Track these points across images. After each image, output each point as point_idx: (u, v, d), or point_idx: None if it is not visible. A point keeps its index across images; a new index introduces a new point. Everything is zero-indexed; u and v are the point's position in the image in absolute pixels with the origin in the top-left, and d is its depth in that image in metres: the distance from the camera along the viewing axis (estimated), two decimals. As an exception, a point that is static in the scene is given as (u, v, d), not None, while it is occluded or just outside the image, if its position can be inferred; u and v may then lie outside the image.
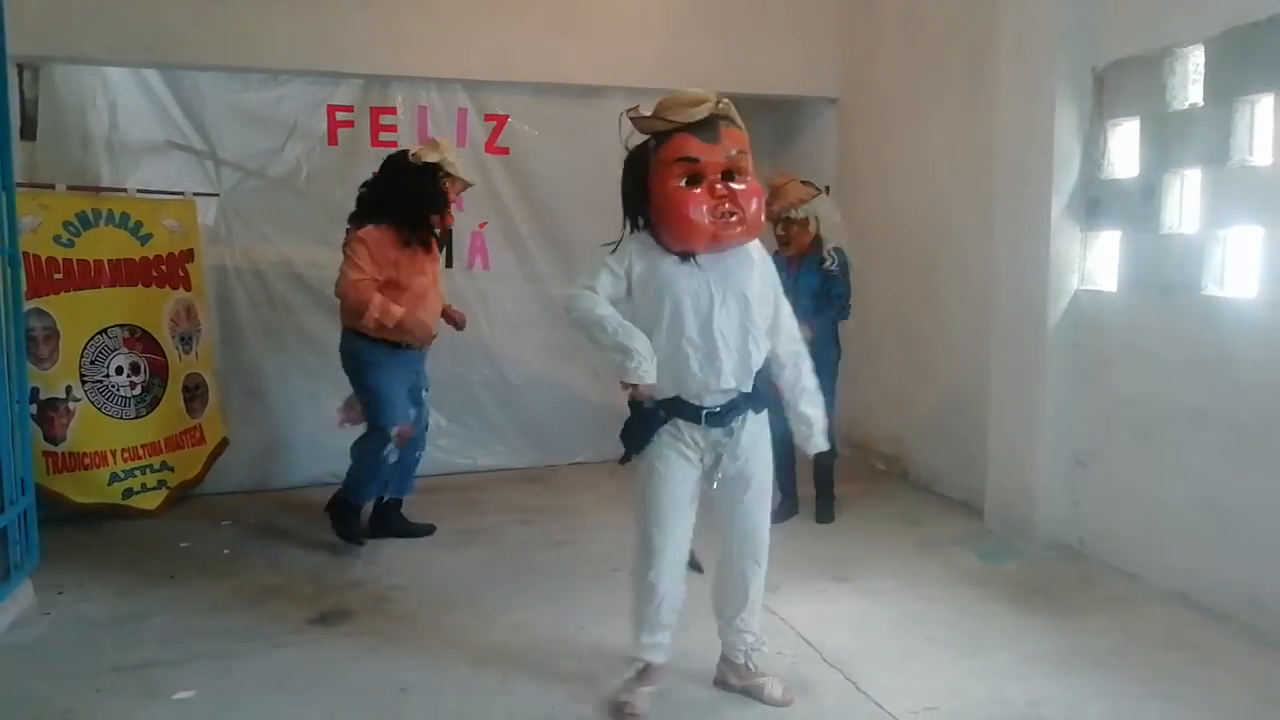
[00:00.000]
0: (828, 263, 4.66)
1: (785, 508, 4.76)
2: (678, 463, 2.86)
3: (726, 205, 2.68)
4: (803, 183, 4.78)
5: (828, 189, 4.58)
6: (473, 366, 6.00)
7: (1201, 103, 3.78)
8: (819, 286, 4.66)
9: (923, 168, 5.51)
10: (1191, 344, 3.80)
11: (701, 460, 2.88)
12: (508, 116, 5.91)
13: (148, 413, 5.14)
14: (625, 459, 2.96)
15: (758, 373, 2.89)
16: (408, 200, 4.34)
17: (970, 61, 5.02)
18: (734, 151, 2.71)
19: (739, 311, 2.81)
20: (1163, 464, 3.95)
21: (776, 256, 4.15)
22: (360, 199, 4.47)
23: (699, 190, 2.68)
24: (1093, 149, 4.26)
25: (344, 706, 3.06)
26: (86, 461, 4.90)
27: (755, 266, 2.86)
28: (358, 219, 4.41)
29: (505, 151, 5.94)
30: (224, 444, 5.45)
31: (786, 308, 2.97)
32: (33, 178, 5.07)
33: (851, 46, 6.19)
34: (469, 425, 6.01)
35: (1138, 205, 4.04)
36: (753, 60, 5.99)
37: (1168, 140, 3.91)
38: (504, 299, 6.08)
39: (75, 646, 3.52)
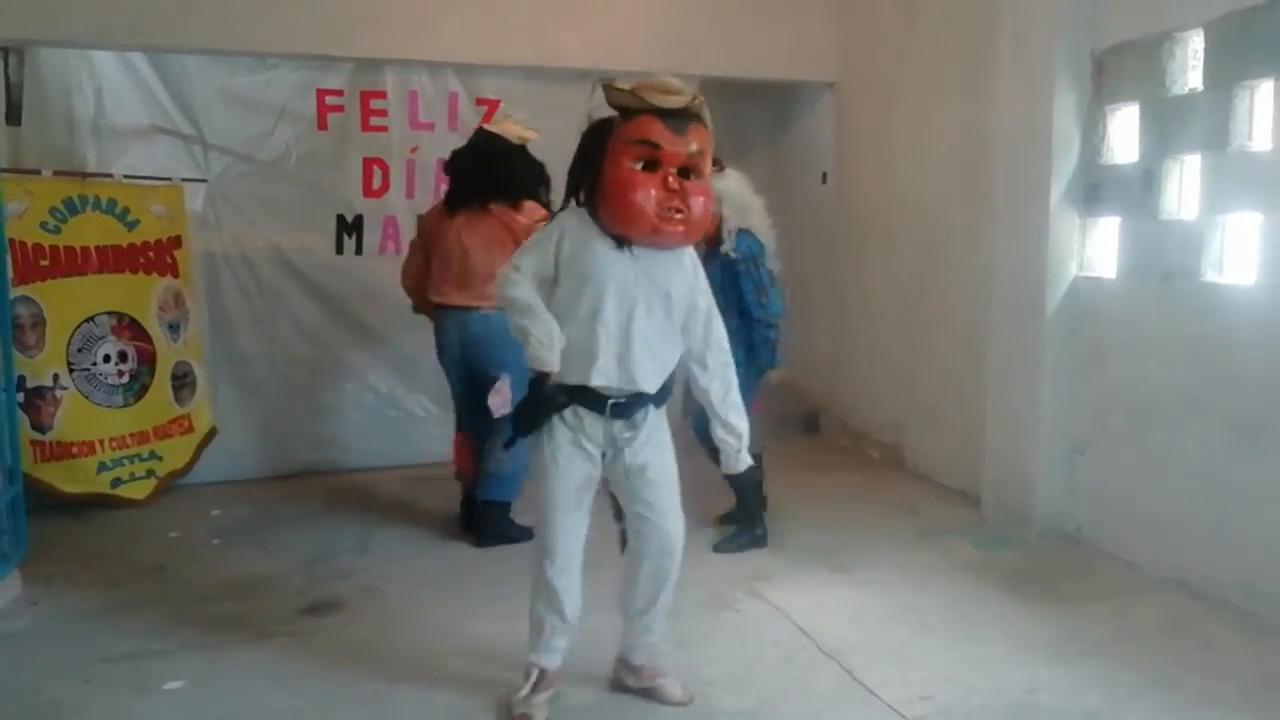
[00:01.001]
0: (725, 247, 4.11)
1: (745, 537, 4.35)
2: (574, 457, 2.76)
3: (675, 202, 2.61)
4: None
5: (722, 165, 4.04)
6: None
7: (1201, 88, 3.75)
8: (721, 279, 3.99)
9: (921, 153, 5.48)
10: (1190, 331, 3.78)
11: (602, 454, 2.78)
12: (499, 100, 5.85)
13: (136, 401, 5.09)
14: (510, 442, 2.93)
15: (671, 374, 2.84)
16: (532, 181, 4.29)
17: (969, 46, 4.97)
18: (696, 148, 2.62)
19: (660, 312, 2.74)
20: (1160, 451, 3.93)
21: None
22: (498, 179, 4.29)
23: (651, 177, 2.60)
24: (1092, 134, 4.23)
25: (334, 697, 3.03)
26: (74, 450, 4.85)
27: (685, 271, 2.78)
28: (508, 197, 4.26)
29: (497, 136, 5.88)
30: (213, 433, 5.40)
31: (718, 318, 2.88)
32: (18, 163, 5.00)
33: (849, 31, 6.14)
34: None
35: (1137, 191, 4.01)
36: (749, 44, 5.94)
37: (1167, 126, 3.89)
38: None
39: (64, 637, 3.48)
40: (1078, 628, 3.47)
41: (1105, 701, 2.96)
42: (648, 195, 2.59)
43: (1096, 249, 4.29)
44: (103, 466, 4.93)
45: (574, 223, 2.74)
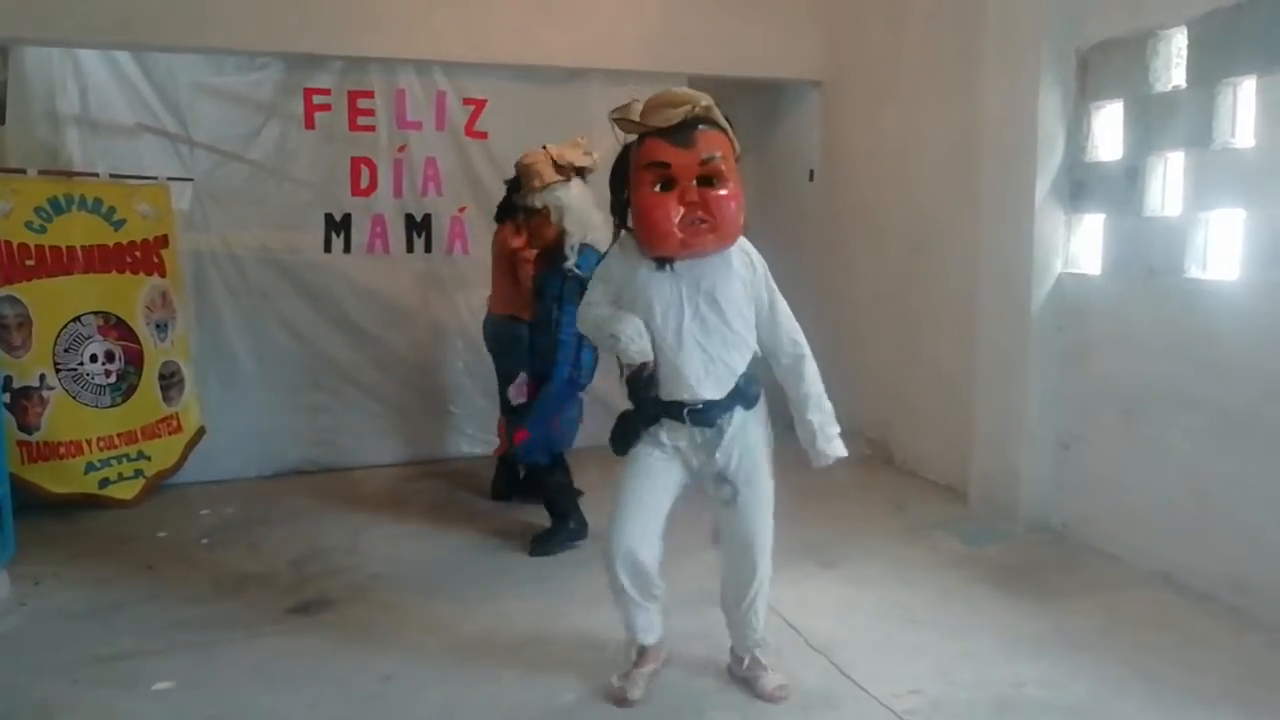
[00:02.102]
0: (568, 262, 4.00)
1: (562, 534, 4.32)
2: (657, 458, 2.86)
3: (699, 213, 2.65)
4: (558, 164, 4.11)
5: (568, 175, 4.08)
6: (454, 352, 5.97)
7: (1184, 85, 3.78)
8: (560, 290, 4.00)
9: (908, 151, 5.50)
10: (1174, 326, 3.81)
11: (689, 460, 2.87)
12: (486, 100, 5.85)
13: (123, 401, 5.07)
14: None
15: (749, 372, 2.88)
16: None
17: (955, 45, 5.00)
18: (708, 156, 2.64)
19: (715, 318, 2.78)
20: (1146, 446, 3.96)
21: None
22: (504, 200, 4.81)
23: (669, 196, 2.65)
24: (1077, 132, 4.26)
25: (325, 695, 3.03)
26: (62, 451, 4.84)
27: (734, 270, 2.81)
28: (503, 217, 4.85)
29: (484, 136, 5.88)
30: (201, 432, 5.38)
31: (783, 306, 2.92)
32: (2, 162, 5.00)
33: (836, 30, 6.15)
34: (450, 412, 5.97)
35: (1121, 188, 4.04)
36: (735, 43, 5.95)
37: (1151, 123, 3.91)
38: (484, 284, 6.02)
39: (52, 637, 3.48)
40: (1064, 622, 3.50)
41: (1091, 695, 2.98)
42: (668, 214, 2.64)
43: (1081, 245, 4.32)
44: (91, 467, 4.92)
45: (620, 250, 2.85)
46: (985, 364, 4.68)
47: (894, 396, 5.73)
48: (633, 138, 2.75)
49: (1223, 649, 3.28)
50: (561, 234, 4.04)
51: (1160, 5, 3.84)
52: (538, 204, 4.06)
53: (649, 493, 2.87)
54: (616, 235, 2.88)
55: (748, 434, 2.89)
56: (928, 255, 5.35)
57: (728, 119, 2.74)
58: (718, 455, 2.84)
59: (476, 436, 6.00)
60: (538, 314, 4.17)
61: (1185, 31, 3.76)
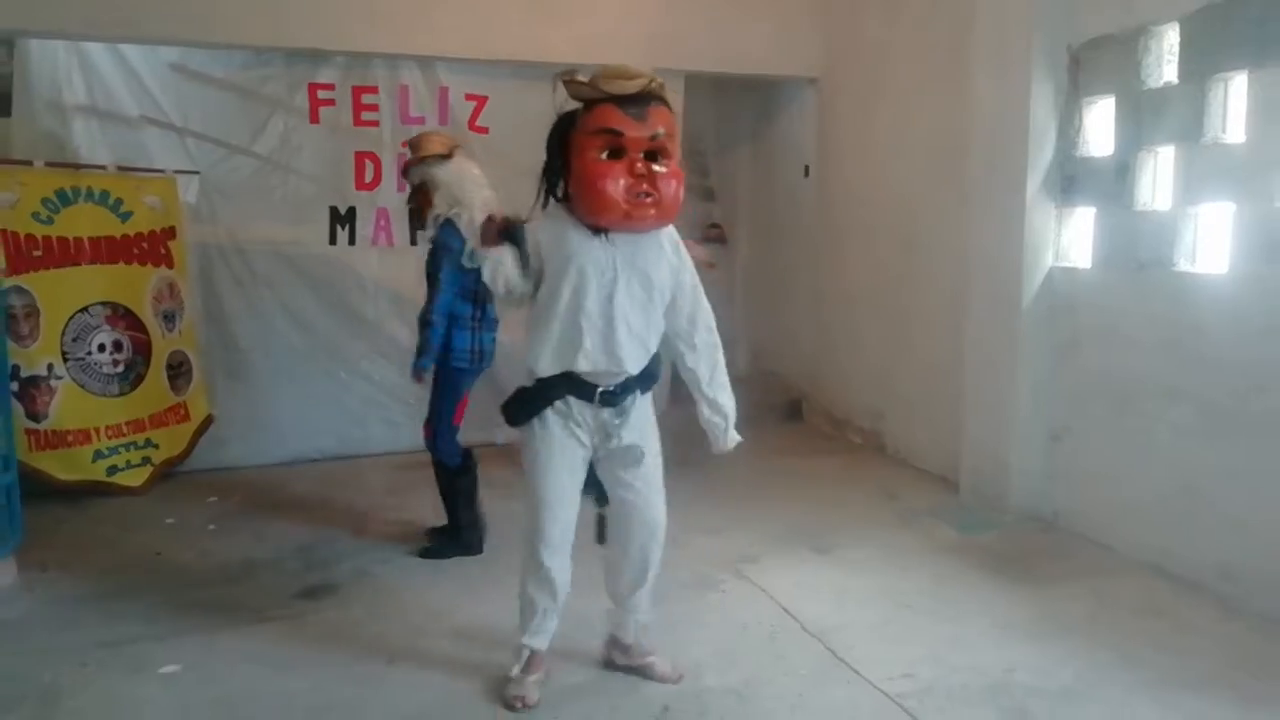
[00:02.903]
0: (429, 233, 4.02)
1: (455, 538, 4.21)
2: (566, 443, 2.83)
3: (644, 186, 2.63)
4: (439, 144, 4.09)
5: (451, 152, 4.06)
6: (456, 344, 6.01)
7: (1176, 80, 3.83)
8: (428, 266, 4.04)
9: (902, 147, 5.55)
10: (1164, 320, 3.86)
11: (590, 439, 2.85)
12: (488, 96, 5.90)
13: (131, 390, 5.14)
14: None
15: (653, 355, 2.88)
16: None
17: (948, 41, 5.04)
18: (659, 131, 2.63)
19: (642, 294, 2.77)
20: (1135, 437, 4.02)
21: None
22: None
23: (617, 165, 2.61)
24: (1068, 127, 4.31)
25: (330, 679, 3.08)
26: (70, 439, 4.90)
27: (664, 253, 2.82)
28: None
29: (485, 131, 5.93)
30: (209, 421, 5.45)
31: (703, 298, 2.92)
32: (9, 154, 5.04)
33: (832, 27, 6.21)
34: (453, 402, 6.02)
35: (1112, 182, 4.09)
36: (733, 39, 5.99)
37: (1142, 118, 3.96)
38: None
39: (60, 622, 3.53)
40: (1055, 608, 3.55)
41: (1081, 680, 3.04)
42: (616, 183, 2.62)
43: (1072, 239, 4.37)
44: (99, 455, 4.98)
45: (548, 217, 2.79)
46: (976, 356, 4.73)
47: (886, 387, 5.79)
48: (572, 106, 2.70)
49: (1210, 635, 3.34)
50: (431, 207, 4.02)
51: (1152, 2, 3.88)
52: (415, 179, 4.06)
53: (570, 487, 2.86)
54: (545, 203, 2.81)
55: (644, 416, 2.91)
56: (921, 249, 5.40)
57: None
58: (619, 435, 2.84)
59: (482, 425, 6.03)
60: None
61: (1177, 27, 3.80)
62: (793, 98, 6.69)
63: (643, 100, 2.62)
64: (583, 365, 2.76)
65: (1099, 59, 4.15)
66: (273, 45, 5.41)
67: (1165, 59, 3.89)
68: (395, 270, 5.84)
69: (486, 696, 2.98)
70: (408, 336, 5.83)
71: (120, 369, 5.11)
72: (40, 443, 4.82)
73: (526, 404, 2.84)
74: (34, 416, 4.80)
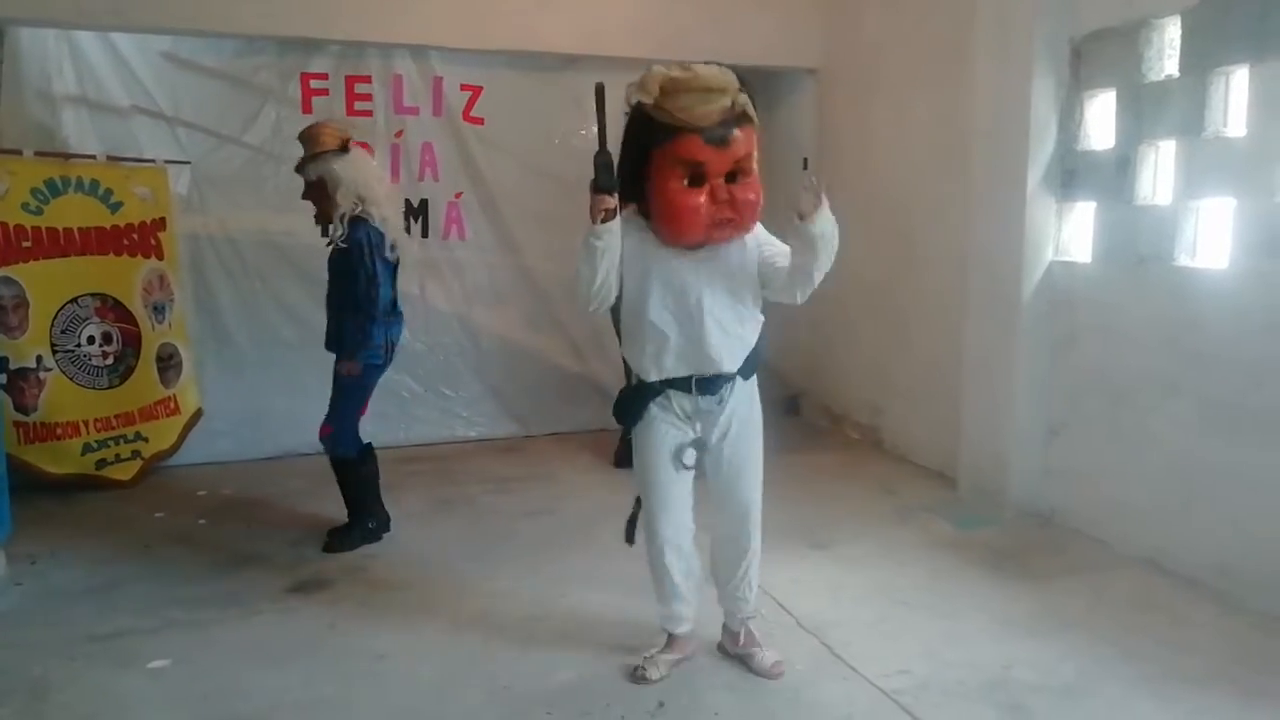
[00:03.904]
0: (335, 234, 3.92)
1: (357, 532, 4.21)
2: (670, 433, 2.87)
3: (726, 212, 2.65)
4: (332, 137, 3.97)
5: (346, 145, 3.96)
6: (449, 337, 6.00)
7: (1177, 74, 3.80)
8: (339, 268, 3.97)
9: (901, 139, 5.52)
10: (1163, 315, 3.84)
11: (694, 428, 2.89)
12: (483, 86, 5.86)
13: (120, 383, 5.10)
14: (626, 434, 2.98)
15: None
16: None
17: (949, 33, 5.01)
18: (743, 153, 2.63)
19: (727, 294, 2.80)
20: (1133, 433, 4.00)
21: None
22: None
23: (700, 194, 2.62)
24: (1069, 120, 4.28)
25: (321, 674, 3.06)
26: (59, 432, 4.86)
27: (747, 248, 2.82)
28: None
29: (481, 121, 5.90)
30: (198, 414, 5.41)
31: (778, 246, 2.84)
32: (-2, 143, 4.99)
33: (832, 17, 6.17)
34: (445, 396, 6.01)
35: (1113, 176, 4.06)
36: (732, 30, 5.95)
37: (1143, 112, 3.93)
38: (480, 269, 6.06)
39: (49, 616, 3.50)
40: (1053, 604, 3.54)
41: (1080, 675, 3.03)
42: (699, 214, 2.63)
43: (1072, 234, 4.35)
44: (88, 448, 4.94)
45: (629, 223, 2.75)
46: (975, 351, 4.71)
47: (884, 382, 5.77)
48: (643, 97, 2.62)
49: (1209, 631, 3.32)
50: (335, 208, 3.92)
51: (1154, -5, 3.86)
52: (312, 175, 3.93)
53: (680, 479, 2.91)
54: (621, 205, 2.72)
55: (744, 403, 2.93)
56: (920, 242, 5.37)
57: (750, 95, 2.69)
58: (719, 422, 2.88)
59: (472, 420, 6.05)
60: (329, 297, 4.08)
61: (1179, 21, 3.77)
62: (792, 89, 6.66)
63: (727, 125, 2.59)
64: (679, 372, 2.80)
65: (1100, 52, 4.12)
66: (265, 34, 5.36)
67: (1166, 52, 3.86)
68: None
69: (480, 690, 2.96)
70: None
71: (110, 361, 5.07)
72: (29, 435, 4.78)
73: (632, 405, 2.89)
74: (22, 409, 4.76)
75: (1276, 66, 3.39)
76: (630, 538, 3.07)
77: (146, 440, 5.16)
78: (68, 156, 5.03)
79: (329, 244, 4.01)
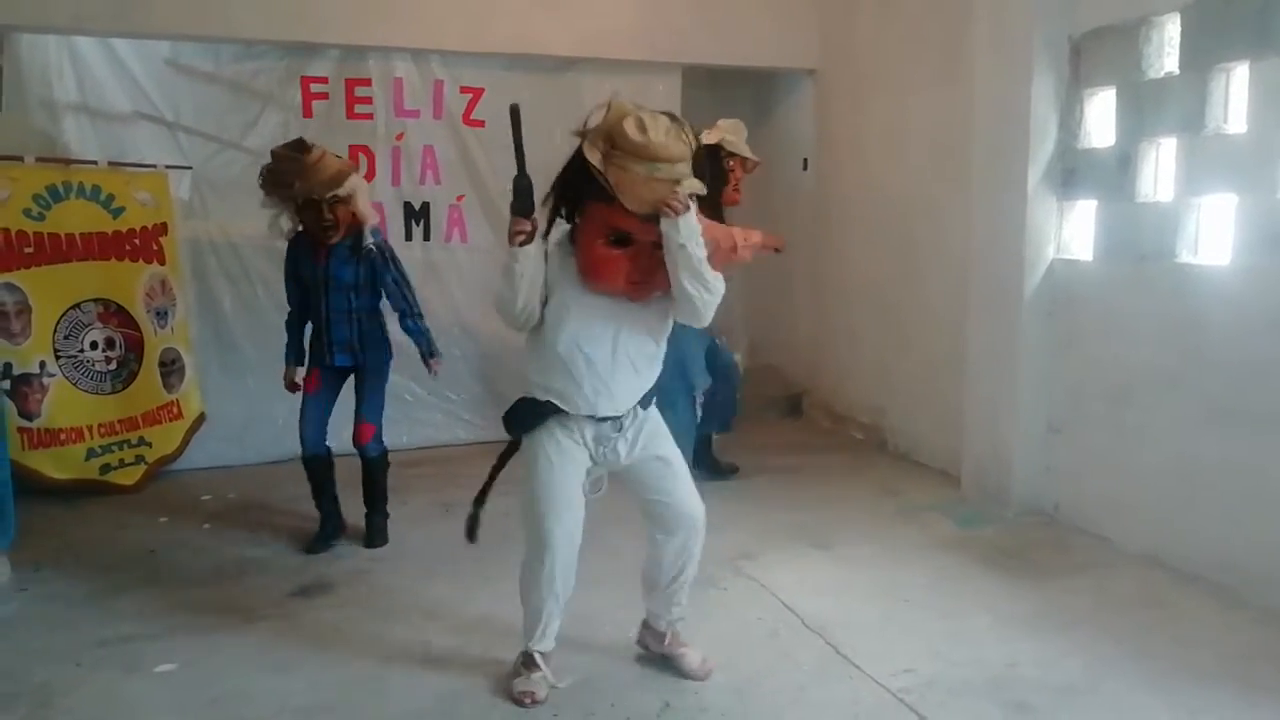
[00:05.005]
0: (368, 243, 4.13)
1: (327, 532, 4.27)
2: (567, 446, 2.79)
3: (641, 277, 2.63)
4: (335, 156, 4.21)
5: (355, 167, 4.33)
6: (451, 340, 5.97)
7: (1178, 71, 3.80)
8: (361, 278, 4.14)
9: (901, 139, 5.52)
10: (1165, 312, 3.84)
11: (590, 449, 2.82)
12: (484, 89, 5.86)
13: (124, 388, 5.10)
14: (515, 441, 2.93)
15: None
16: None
17: (949, 32, 5.02)
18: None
19: (646, 336, 2.77)
20: (1135, 430, 4.00)
21: (305, 240, 4.11)
22: None
23: (622, 254, 2.60)
24: (1069, 119, 4.28)
25: (326, 678, 3.06)
26: (63, 437, 4.87)
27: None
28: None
29: (481, 124, 5.90)
30: (202, 419, 5.41)
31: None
32: (-1, 150, 4.99)
33: (830, 18, 6.18)
34: (448, 399, 6.01)
35: (1113, 174, 4.06)
36: (730, 32, 5.96)
37: (1144, 109, 3.93)
38: (482, 272, 6.04)
39: (53, 621, 3.50)
40: (1056, 602, 3.54)
41: (1085, 673, 3.02)
42: (618, 269, 2.62)
43: (1073, 232, 4.35)
44: (92, 453, 4.95)
45: (557, 249, 2.72)
46: (977, 349, 4.71)
47: (886, 381, 5.77)
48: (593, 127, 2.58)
49: (1212, 628, 3.32)
50: (362, 222, 4.13)
51: (1153, -8, 3.86)
52: (345, 192, 4.05)
53: (574, 490, 2.83)
54: (550, 221, 2.71)
55: (653, 420, 2.90)
56: (921, 242, 5.38)
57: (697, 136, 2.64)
58: (623, 446, 2.83)
59: (474, 423, 6.03)
60: (335, 304, 4.15)
61: (1179, 18, 3.77)
62: (791, 90, 6.67)
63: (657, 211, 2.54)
64: (583, 409, 2.74)
65: (1100, 49, 4.12)
66: (264, 39, 5.37)
67: (1167, 49, 3.86)
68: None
69: (484, 695, 2.95)
70: (396, 330, 5.82)
71: (113, 366, 5.07)
72: (33, 441, 4.78)
73: (528, 415, 2.81)
74: (26, 415, 4.76)
75: (1277, 63, 3.39)
76: (472, 536, 3.02)
77: (150, 445, 5.17)
78: (69, 162, 5.03)
79: (351, 254, 4.12)
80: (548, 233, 2.70)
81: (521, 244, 2.58)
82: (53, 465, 4.83)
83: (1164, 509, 3.85)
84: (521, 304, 2.66)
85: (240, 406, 5.55)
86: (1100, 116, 4.20)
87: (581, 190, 2.62)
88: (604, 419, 2.78)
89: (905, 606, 3.53)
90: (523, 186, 2.60)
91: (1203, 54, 3.67)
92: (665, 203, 2.52)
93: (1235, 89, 3.62)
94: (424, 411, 5.93)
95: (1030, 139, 4.27)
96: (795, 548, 4.09)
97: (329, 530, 4.28)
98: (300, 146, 4.08)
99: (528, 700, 2.87)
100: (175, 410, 5.30)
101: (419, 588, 3.77)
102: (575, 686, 2.97)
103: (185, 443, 5.34)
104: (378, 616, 3.51)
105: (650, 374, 2.83)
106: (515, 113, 2.62)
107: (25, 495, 4.21)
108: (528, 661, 2.95)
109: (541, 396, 2.78)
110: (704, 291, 2.63)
